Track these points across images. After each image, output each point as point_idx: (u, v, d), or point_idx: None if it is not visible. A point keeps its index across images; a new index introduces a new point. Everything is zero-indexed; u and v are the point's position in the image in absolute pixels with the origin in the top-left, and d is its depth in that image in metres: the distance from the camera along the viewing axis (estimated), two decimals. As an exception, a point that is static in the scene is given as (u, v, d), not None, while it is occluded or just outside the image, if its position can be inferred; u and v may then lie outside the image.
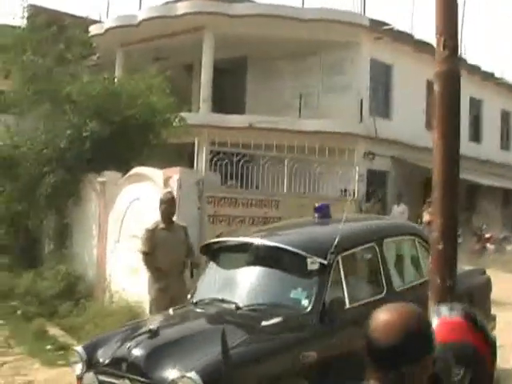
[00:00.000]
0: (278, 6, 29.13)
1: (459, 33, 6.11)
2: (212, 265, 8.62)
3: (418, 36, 30.95)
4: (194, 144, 12.15)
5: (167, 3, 32.40)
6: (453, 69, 6.05)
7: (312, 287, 7.40)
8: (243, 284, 8.14)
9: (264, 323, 6.95)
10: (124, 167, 14.83)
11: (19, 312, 14.41)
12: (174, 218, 10.47)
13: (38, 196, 16.56)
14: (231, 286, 8.23)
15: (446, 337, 2.45)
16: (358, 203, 23.97)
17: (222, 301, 7.76)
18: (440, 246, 5.88)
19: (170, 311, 8.01)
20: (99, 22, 33.62)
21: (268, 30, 27.96)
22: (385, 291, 8.17)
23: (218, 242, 8.76)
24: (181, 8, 29.01)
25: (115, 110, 16.26)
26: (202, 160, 12.02)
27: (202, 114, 28.51)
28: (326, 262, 7.31)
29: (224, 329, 6.07)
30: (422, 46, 28.49)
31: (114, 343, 7.01)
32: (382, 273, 8.30)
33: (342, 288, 7.60)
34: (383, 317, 2.53)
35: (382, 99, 31.22)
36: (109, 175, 15.09)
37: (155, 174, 12.68)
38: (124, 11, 38.21)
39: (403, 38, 30.34)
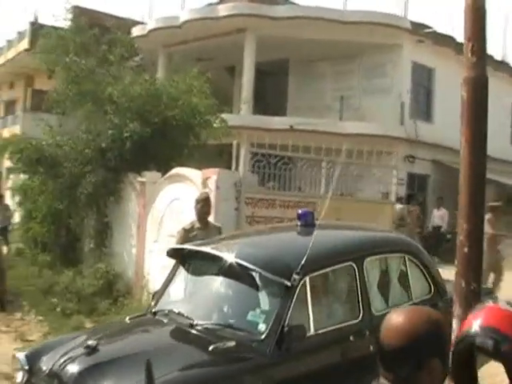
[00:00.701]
0: (319, 8, 29.12)
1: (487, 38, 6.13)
2: (179, 271, 7.85)
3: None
4: (234, 145, 12.24)
5: (209, 5, 32.62)
6: (480, 75, 6.06)
7: (272, 310, 6.58)
8: (202, 299, 7.54)
9: (212, 347, 6.18)
10: (164, 168, 14.98)
11: (59, 309, 14.63)
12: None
13: (79, 195, 16.78)
14: (191, 299, 7.67)
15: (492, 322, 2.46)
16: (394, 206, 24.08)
17: (179, 314, 7.06)
18: (465, 250, 5.89)
19: (127, 319, 7.55)
20: (142, 23, 33.91)
21: (309, 32, 27.97)
22: (361, 316, 7.24)
23: (183, 249, 8.00)
24: (223, 10, 29.16)
25: (156, 111, 16.40)
26: (241, 161, 12.10)
27: (242, 115, 28.58)
28: (289, 284, 6.48)
29: (149, 360, 5.28)
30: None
31: (56, 354, 6.47)
32: (360, 295, 7.32)
33: (308, 312, 6.77)
34: (392, 319, 2.58)
35: (423, 102, 31.10)
36: (149, 175, 15.25)
37: (194, 174, 12.79)
38: (166, 13, 38.30)
39: (444, 41, 30.16)
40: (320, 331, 6.77)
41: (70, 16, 19.44)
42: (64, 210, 17.90)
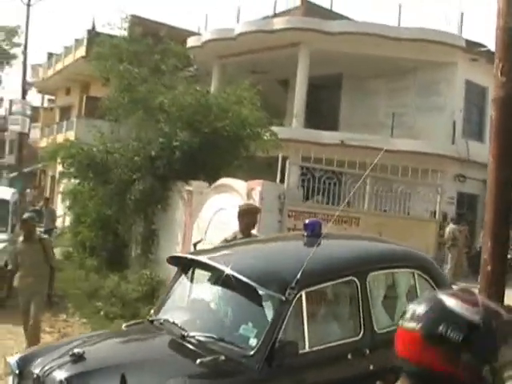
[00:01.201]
0: (374, 24, 29.14)
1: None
2: (180, 280, 7.65)
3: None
4: (282, 158, 12.32)
5: (264, 18, 32.81)
6: (509, 94, 6.08)
7: (264, 325, 6.31)
8: (198, 309, 7.43)
9: (200, 360, 5.99)
10: (212, 177, 15.10)
11: (102, 312, 14.85)
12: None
13: (128, 201, 17.00)
14: (187, 309, 7.54)
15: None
16: (439, 225, 23.90)
17: (173, 324, 6.89)
18: (489, 268, 5.90)
19: (123, 326, 7.51)
20: (197, 34, 34.24)
21: (363, 48, 28.00)
22: (361, 333, 6.90)
23: (182, 257, 7.95)
24: (277, 23, 29.33)
25: (206, 121, 16.56)
26: (288, 175, 12.16)
27: (293, 128, 28.71)
28: (283, 298, 6.22)
29: (124, 374, 5.31)
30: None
31: (46, 360, 6.36)
32: (361, 312, 6.97)
33: (303, 328, 6.49)
34: None
35: (475, 121, 30.88)
36: (196, 184, 15.39)
37: (239, 185, 12.90)
38: (222, 25, 38.64)
39: (500, 60, 29.91)
40: (315, 348, 6.52)
41: (125, 25, 19.76)
42: (112, 216, 18.16)
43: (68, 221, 21.97)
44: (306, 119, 30.21)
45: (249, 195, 12.13)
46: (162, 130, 16.81)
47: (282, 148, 17.10)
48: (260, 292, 6.30)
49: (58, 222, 25.97)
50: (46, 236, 12.85)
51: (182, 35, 27.57)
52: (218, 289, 7.16)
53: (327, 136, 27.86)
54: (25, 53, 41.33)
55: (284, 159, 12.28)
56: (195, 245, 10.44)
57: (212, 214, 14.02)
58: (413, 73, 30.01)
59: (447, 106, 29.13)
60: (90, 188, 18.84)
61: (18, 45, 40.81)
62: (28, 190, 44.94)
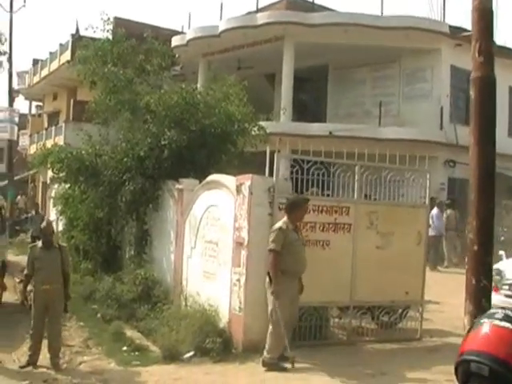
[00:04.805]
0: (357, 14, 29.23)
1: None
2: None
3: (498, 41, 30.38)
4: (271, 152, 12.33)
5: (248, 14, 32.85)
6: (488, 75, 6.12)
7: None
8: None
9: None
10: (202, 175, 15.11)
11: (99, 315, 14.94)
12: (246, 223, 10.76)
13: (119, 203, 17.03)
14: None
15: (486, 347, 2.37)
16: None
17: None
18: (475, 247, 5.93)
19: None
20: (181, 33, 34.26)
21: (347, 38, 28.10)
22: None
23: None
24: (261, 18, 29.42)
25: (193, 119, 16.57)
26: (276, 168, 12.16)
27: (281, 122, 28.74)
28: None
29: None
30: (503, 52, 27.90)
31: None
32: None
33: None
34: None
35: (462, 106, 30.85)
36: (186, 182, 15.40)
37: (229, 180, 12.92)
38: (205, 22, 38.64)
39: (484, 44, 29.95)
40: None
41: (108, 27, 19.73)
42: (104, 218, 18.19)
43: (61, 225, 21.94)
44: (294, 112, 30.30)
45: (238, 190, 12.16)
46: (150, 129, 16.81)
47: (270, 142, 17.13)
48: None
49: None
50: (64, 244, 13.05)
51: (165, 35, 27.53)
52: None
53: (315, 128, 27.96)
54: (10, 60, 41.28)
55: (272, 153, 12.28)
56: None
57: (203, 211, 14.05)
58: (398, 61, 30.12)
59: (434, 93, 29.23)
60: (81, 191, 18.84)
61: (3, 53, 40.66)
62: (19, 197, 44.95)
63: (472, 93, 6.09)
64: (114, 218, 17.99)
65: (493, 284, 13.45)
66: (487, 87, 6.11)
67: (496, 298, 13.04)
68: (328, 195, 13.09)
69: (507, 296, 13.06)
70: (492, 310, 2.52)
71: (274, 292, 10.69)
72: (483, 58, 6.03)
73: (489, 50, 6.08)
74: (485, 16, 6.09)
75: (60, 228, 21.95)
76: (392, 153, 13.04)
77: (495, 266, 13.79)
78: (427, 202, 13.88)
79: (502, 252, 16.24)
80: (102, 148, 18.27)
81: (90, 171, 17.80)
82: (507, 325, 2.36)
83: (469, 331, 2.53)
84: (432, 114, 28.68)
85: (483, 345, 2.37)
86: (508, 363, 2.30)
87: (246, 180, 11.99)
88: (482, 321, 2.46)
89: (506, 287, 13.54)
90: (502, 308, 2.52)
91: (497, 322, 2.38)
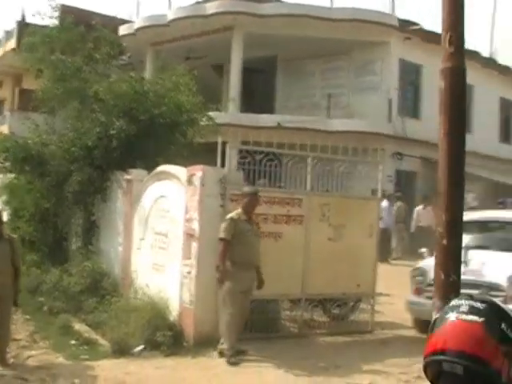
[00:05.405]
0: (306, 5, 29.21)
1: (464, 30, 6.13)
2: None
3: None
4: (221, 143, 12.21)
5: (197, 3, 32.62)
6: (458, 65, 6.06)
7: None
8: None
9: None
10: (151, 165, 14.93)
11: (45, 307, 14.63)
12: (196, 215, 10.68)
13: (66, 193, 16.73)
14: None
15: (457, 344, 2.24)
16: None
17: None
18: (444, 241, 5.88)
19: None
20: (129, 21, 33.90)
21: (297, 29, 28.05)
22: None
23: None
24: (210, 8, 29.22)
25: (142, 109, 16.33)
26: (227, 158, 12.06)
27: (230, 113, 28.62)
28: None
29: None
30: (489, 63, 28.33)
31: None
32: None
33: None
34: None
35: (411, 99, 31.20)
36: (135, 173, 15.20)
37: (179, 171, 12.77)
38: (154, 11, 38.36)
39: (432, 38, 30.17)
40: None
41: (56, 14, 19.36)
42: (51, 209, 17.83)
43: (5, 216, 21.49)
44: (243, 103, 30.19)
45: (189, 181, 12.01)
46: (99, 119, 16.49)
47: (220, 133, 16.98)
48: None
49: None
50: (14, 235, 12.64)
51: (114, 23, 27.15)
52: None
53: (264, 119, 27.89)
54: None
55: (223, 144, 12.17)
56: None
57: (153, 202, 13.88)
58: (347, 53, 30.16)
59: (383, 85, 29.34)
60: (27, 181, 18.46)
61: None
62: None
63: (441, 83, 6.00)
64: (60, 208, 17.65)
65: (413, 286, 13.16)
66: (458, 78, 6.05)
67: (418, 302, 12.65)
68: (280, 187, 13.04)
69: (431, 299, 12.46)
70: (455, 302, 2.38)
71: (219, 279, 10.74)
72: (454, 48, 5.94)
73: (459, 41, 6.01)
74: (455, 6, 6.01)
75: (5, 219, 21.49)
76: (341, 144, 13.03)
77: (417, 265, 13.32)
78: (379, 194, 13.93)
79: (423, 249, 15.06)
80: (49, 137, 17.92)
81: (37, 161, 17.44)
82: (475, 318, 2.24)
83: (433, 327, 2.40)
84: (380, 107, 28.79)
85: (454, 343, 2.25)
86: (480, 358, 2.19)
87: (198, 171, 11.87)
88: (446, 316, 2.33)
89: (430, 288, 11.95)
90: (466, 296, 2.39)
91: (463, 317, 2.26)
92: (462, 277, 11.28)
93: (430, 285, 12.26)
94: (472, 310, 2.27)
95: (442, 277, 5.89)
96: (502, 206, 13.30)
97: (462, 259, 11.51)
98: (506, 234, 13.70)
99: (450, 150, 5.96)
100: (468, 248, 11.19)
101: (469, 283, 10.00)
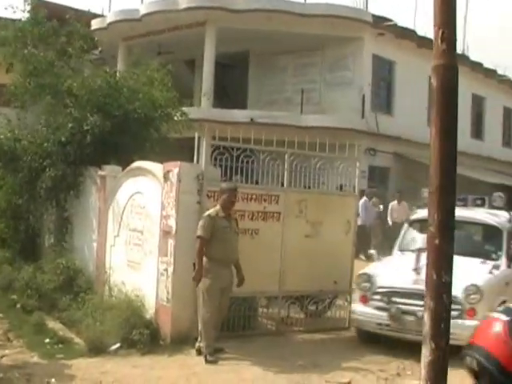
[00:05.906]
0: (279, 0, 29.17)
1: (457, 27, 6.08)
2: None
3: (420, 32, 30.88)
4: (195, 138, 12.11)
5: (170, -3, 32.42)
6: (450, 62, 6.00)
7: None
8: None
9: None
10: (125, 161, 14.79)
11: (19, 305, 14.43)
12: (174, 212, 10.56)
13: (39, 189, 16.52)
14: None
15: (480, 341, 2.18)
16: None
17: None
18: (436, 241, 5.82)
19: None
20: (101, 16, 33.66)
21: (270, 24, 28.03)
22: None
23: None
24: (183, 2, 29.10)
25: (116, 104, 16.18)
26: (202, 155, 11.96)
27: (203, 108, 28.58)
28: None
29: None
30: (424, 43, 28.27)
31: None
32: None
33: None
34: None
35: (384, 95, 31.32)
36: (109, 169, 15.06)
37: (155, 167, 12.65)
38: (126, 5, 38.09)
39: (406, 35, 30.36)
40: None
41: (28, 8, 19.10)
42: (23, 205, 17.61)
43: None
44: (215, 98, 30.10)
45: (166, 177, 11.90)
46: (72, 114, 16.29)
47: (194, 128, 16.86)
48: None
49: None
50: None
51: (87, 17, 26.86)
52: None
53: (237, 114, 27.80)
54: None
55: (199, 140, 12.07)
56: None
57: (127, 199, 13.75)
58: (321, 48, 30.19)
59: (355, 81, 29.40)
60: (-1, 177, 18.25)
61: None
62: None
63: (433, 81, 5.94)
64: (33, 204, 17.44)
65: (359, 293, 12.24)
66: (450, 75, 5.98)
67: (363, 311, 12.02)
68: (257, 183, 12.98)
69: (378, 308, 11.77)
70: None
71: (194, 277, 10.67)
72: (446, 45, 5.87)
73: (452, 37, 5.94)
74: (448, 1, 5.94)
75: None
76: (314, 140, 12.98)
77: (363, 271, 12.54)
78: (357, 190, 13.92)
79: (372, 251, 14.78)
80: (22, 132, 17.68)
81: (9, 156, 17.21)
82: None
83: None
84: (353, 103, 28.84)
85: (476, 338, 2.24)
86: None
87: (174, 167, 11.76)
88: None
89: (378, 297, 11.87)
90: None
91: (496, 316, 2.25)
92: (413, 286, 11.21)
93: (376, 293, 11.94)
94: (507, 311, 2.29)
95: (434, 277, 5.82)
96: (463, 203, 12.81)
97: (413, 266, 11.48)
98: (466, 236, 13.43)
99: (442, 149, 5.90)
100: (421, 251, 10.61)
101: (419, 293, 9.29)
